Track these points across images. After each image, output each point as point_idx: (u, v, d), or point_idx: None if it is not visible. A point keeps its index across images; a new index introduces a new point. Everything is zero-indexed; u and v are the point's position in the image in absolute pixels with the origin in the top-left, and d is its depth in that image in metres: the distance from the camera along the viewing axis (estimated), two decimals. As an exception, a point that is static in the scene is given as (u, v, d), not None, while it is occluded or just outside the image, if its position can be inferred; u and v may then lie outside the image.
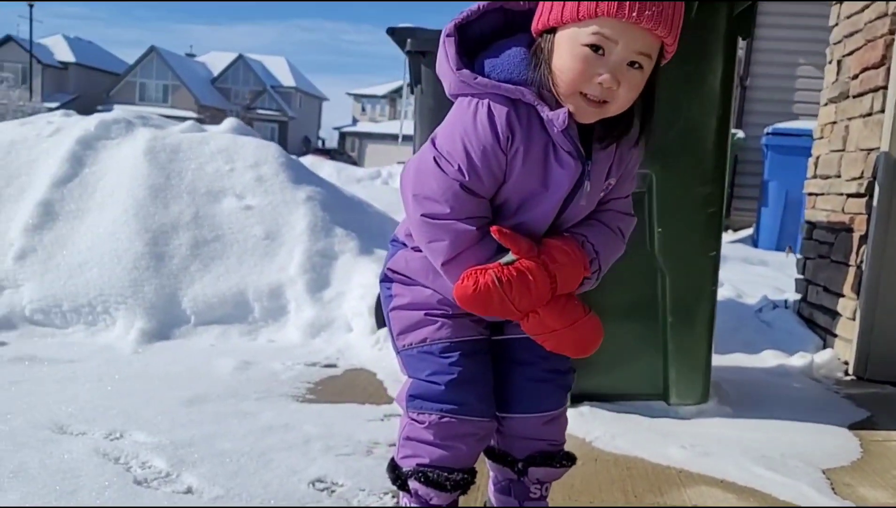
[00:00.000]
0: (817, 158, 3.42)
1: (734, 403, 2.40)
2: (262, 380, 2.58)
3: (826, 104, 3.37)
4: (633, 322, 2.28)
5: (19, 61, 47.52)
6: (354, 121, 58.71)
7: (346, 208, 3.85)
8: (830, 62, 3.35)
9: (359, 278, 3.35)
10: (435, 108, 3.12)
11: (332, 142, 60.41)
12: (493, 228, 1.16)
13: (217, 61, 59.05)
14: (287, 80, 58.83)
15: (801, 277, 3.51)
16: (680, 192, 2.17)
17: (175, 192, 3.61)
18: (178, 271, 3.32)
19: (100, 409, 2.17)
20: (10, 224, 3.48)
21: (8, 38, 50.96)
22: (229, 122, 4.19)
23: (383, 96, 58.98)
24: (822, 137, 3.38)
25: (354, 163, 46.31)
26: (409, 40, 2.93)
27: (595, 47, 1.08)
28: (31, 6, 42.39)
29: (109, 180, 3.66)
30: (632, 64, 1.09)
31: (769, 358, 2.98)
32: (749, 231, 8.49)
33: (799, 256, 3.56)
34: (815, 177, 3.43)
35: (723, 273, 5.13)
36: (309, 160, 14.64)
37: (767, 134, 7.51)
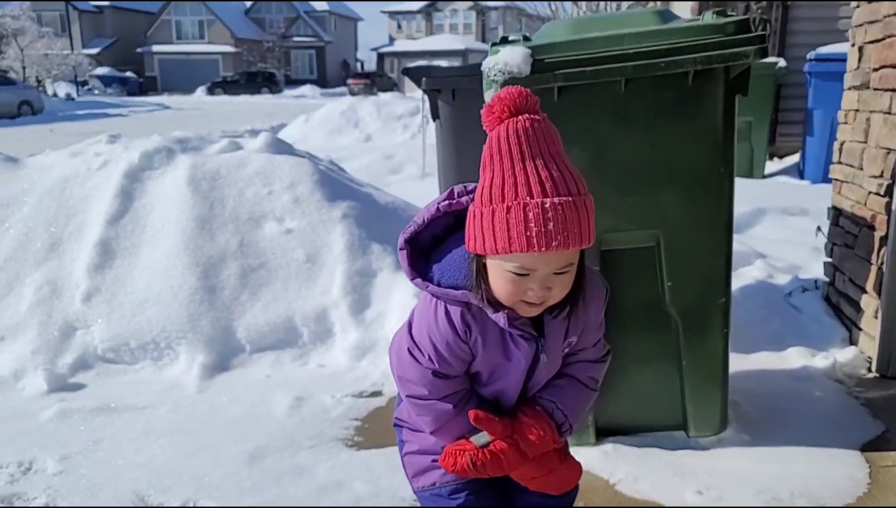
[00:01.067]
0: (842, 143, 3.40)
1: (752, 425, 2.55)
2: (314, 421, 2.83)
3: (849, 89, 3.32)
4: (652, 363, 2.43)
5: (56, 10, 47.76)
6: (391, 40, 57.71)
7: (381, 220, 4.00)
8: (853, 45, 3.29)
9: (398, 298, 3.54)
10: (453, 141, 3.23)
11: (370, 64, 59.71)
12: (471, 413, 1.33)
13: (249, -8, 58.27)
14: (320, 3, 57.81)
15: (829, 260, 3.55)
16: (687, 247, 2.26)
17: (219, 221, 3.82)
18: (230, 303, 3.57)
19: (174, 474, 2.46)
20: (73, 265, 3.76)
21: (43, -13, 51.08)
22: (263, 137, 4.33)
23: (418, 12, 57.58)
24: (846, 123, 3.35)
25: (395, 85, 45.98)
26: (424, 79, 3.01)
27: (518, 273, 1.19)
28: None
29: (158, 214, 3.88)
30: (561, 272, 1.20)
31: (794, 357, 3.09)
32: (795, 158, 8.32)
33: (826, 239, 3.59)
34: (839, 162, 3.42)
35: (759, 229, 5.23)
36: (347, 101, 14.66)
37: (810, 60, 7.26)
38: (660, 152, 2.18)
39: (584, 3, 16.56)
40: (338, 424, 2.81)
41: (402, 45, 54.93)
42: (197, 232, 3.77)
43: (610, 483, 2.29)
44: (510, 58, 2.04)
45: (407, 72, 3.08)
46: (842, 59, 6.97)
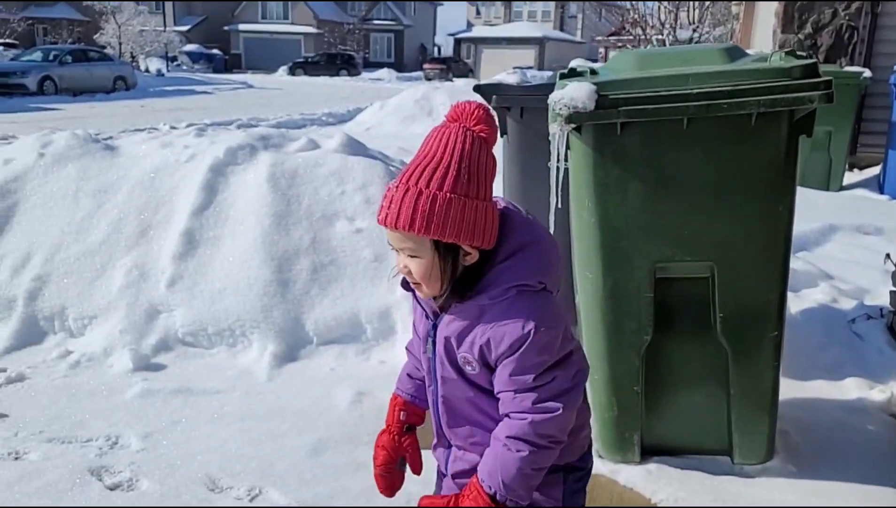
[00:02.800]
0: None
1: (800, 457, 2.58)
2: (373, 417, 3.00)
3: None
4: (701, 387, 2.49)
5: (150, -13, 49.48)
6: (469, 25, 57.62)
7: (447, 223, 4.14)
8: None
9: (458, 301, 3.68)
10: (519, 156, 3.33)
11: (447, 49, 59.79)
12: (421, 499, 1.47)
13: (333, -27, 59.09)
14: (401, -14, 58.14)
15: (895, 289, 3.51)
16: (740, 281, 2.31)
17: (295, 218, 4.03)
18: (300, 296, 3.77)
19: (243, 460, 2.67)
20: (160, 252, 4.03)
21: (138, -35, 52.98)
22: (339, 137, 4.52)
23: (498, -2, 57.25)
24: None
25: (471, 71, 46.00)
26: (494, 97, 3.11)
27: (390, 245, 1.38)
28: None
29: (239, 208, 4.12)
30: (409, 254, 1.34)
31: (851, 388, 3.08)
32: (876, 170, 8.04)
33: (895, 267, 3.54)
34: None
35: (829, 248, 5.14)
36: (422, 89, 14.85)
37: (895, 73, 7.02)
38: (718, 187, 2.24)
39: (666, 1, 16.24)
40: (395, 422, 2.97)
41: (479, 31, 54.82)
42: (274, 227, 3.98)
43: (652, 501, 2.38)
44: (576, 93, 2.12)
45: (478, 89, 3.19)
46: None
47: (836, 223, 5.52)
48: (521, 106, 3.07)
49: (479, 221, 1.31)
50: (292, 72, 42.91)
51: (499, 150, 3.91)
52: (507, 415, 1.37)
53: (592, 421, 1.63)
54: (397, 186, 1.30)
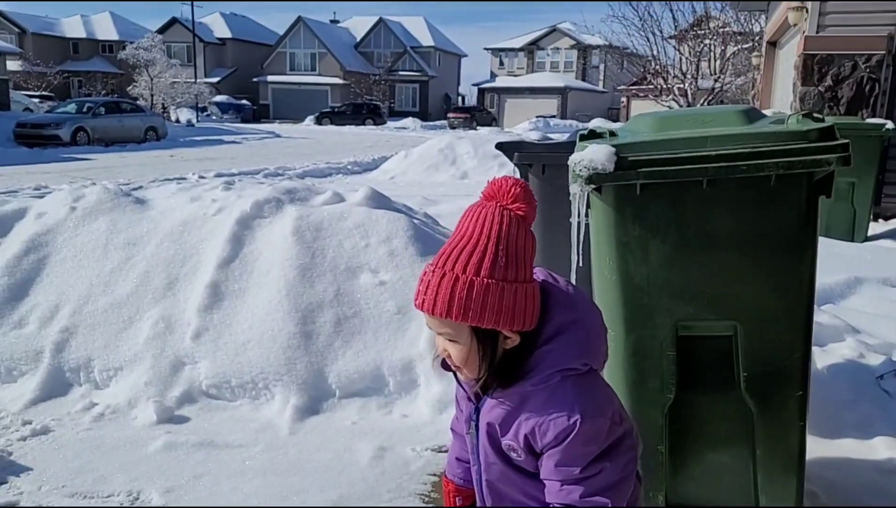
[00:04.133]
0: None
1: (828, 520, 2.53)
2: (394, 473, 2.99)
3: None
4: (726, 448, 2.45)
5: (184, 41, 51.24)
6: (493, 76, 58.59)
7: (469, 276, 4.17)
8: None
9: (480, 355, 3.68)
10: (542, 212, 3.35)
11: (471, 99, 60.74)
12: None
13: (359, 26, 60.90)
14: (426, 39, 59.59)
15: (926, 346, 3.45)
16: (764, 339, 2.30)
17: (319, 270, 4.09)
18: (323, 349, 3.80)
19: (265, 517, 2.67)
20: (186, 304, 4.10)
21: (173, 21, 55.05)
22: (364, 190, 4.60)
23: (521, 49, 58.31)
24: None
25: (494, 120, 46.56)
26: (516, 154, 3.17)
27: (429, 328, 1.37)
28: (191, -11, 45.16)
29: (264, 260, 4.19)
30: (448, 339, 1.33)
31: (881, 448, 3.02)
32: (903, 221, 8.00)
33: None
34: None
35: (855, 301, 5.08)
36: (446, 139, 15.01)
37: (920, 123, 7.02)
38: (740, 246, 2.24)
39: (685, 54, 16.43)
40: (416, 479, 2.96)
41: (503, 80, 55.70)
42: (298, 280, 4.04)
43: (676, 566, 2.33)
44: (595, 156, 2.16)
45: (500, 147, 3.25)
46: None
47: (861, 275, 5.46)
48: (543, 163, 3.12)
49: (518, 305, 1.28)
50: (319, 121, 43.77)
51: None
52: (551, 505, 1.35)
53: None
54: (434, 271, 1.29)
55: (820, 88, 7.49)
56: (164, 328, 3.99)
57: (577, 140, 2.42)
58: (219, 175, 13.73)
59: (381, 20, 59.14)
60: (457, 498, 1.63)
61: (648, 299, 2.33)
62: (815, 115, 2.27)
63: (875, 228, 8.00)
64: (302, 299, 3.98)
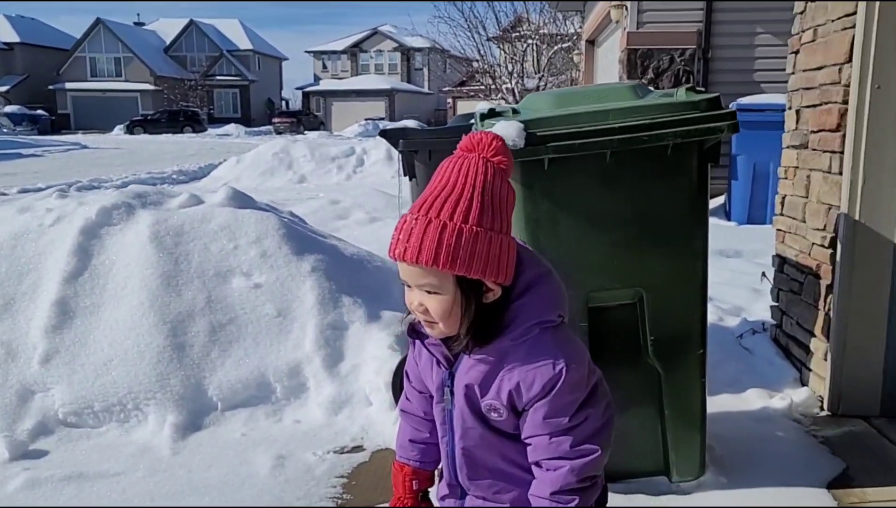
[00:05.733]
0: (783, 197, 3.68)
1: (728, 468, 2.70)
2: (300, 481, 2.83)
3: (788, 148, 3.61)
4: (637, 412, 2.55)
5: (-37, 47, 45.94)
6: (316, 79, 57.85)
7: (349, 272, 4.05)
8: (790, 108, 3.58)
9: (371, 349, 3.58)
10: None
11: (295, 103, 59.61)
12: None
13: (168, 28, 57.66)
14: (243, 42, 57.65)
15: (775, 304, 3.80)
16: (667, 303, 2.42)
17: (185, 277, 3.79)
18: (199, 360, 3.53)
19: (166, 545, 2.42)
20: (29, 325, 3.64)
21: (-53, 25, 49.13)
22: (225, 191, 4.33)
23: (343, 52, 58.04)
24: (786, 179, 3.63)
25: (322, 123, 45.93)
26: (401, 141, 3.11)
27: (402, 282, 1.30)
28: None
29: (119, 271, 3.81)
30: (428, 291, 1.26)
31: (753, 399, 3.29)
32: (720, 200, 8.81)
33: (771, 284, 3.84)
34: (782, 215, 3.69)
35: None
36: (280, 142, 14.54)
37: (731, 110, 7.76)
38: (642, 216, 2.34)
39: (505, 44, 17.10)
40: (324, 483, 2.82)
41: (327, 84, 55.15)
42: (163, 289, 3.72)
43: (602, 531, 2.39)
44: (505, 132, 2.15)
45: (384, 134, 3.18)
46: (760, 109, 7.58)
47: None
48: (430, 149, 3.09)
49: (503, 255, 1.25)
50: (130, 130, 40.94)
51: (408, 192, 3.88)
52: (538, 463, 1.31)
53: None
54: (416, 218, 1.22)
55: (643, 80, 8.08)
56: (3, 354, 3.52)
57: (478, 120, 2.41)
58: (24, 191, 12.45)
59: (192, 22, 56.37)
60: (413, 482, 1.55)
61: (560, 273, 2.36)
62: (697, 88, 2.42)
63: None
64: (169, 309, 3.66)
